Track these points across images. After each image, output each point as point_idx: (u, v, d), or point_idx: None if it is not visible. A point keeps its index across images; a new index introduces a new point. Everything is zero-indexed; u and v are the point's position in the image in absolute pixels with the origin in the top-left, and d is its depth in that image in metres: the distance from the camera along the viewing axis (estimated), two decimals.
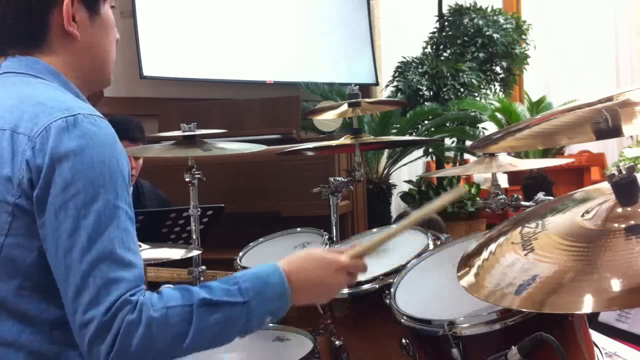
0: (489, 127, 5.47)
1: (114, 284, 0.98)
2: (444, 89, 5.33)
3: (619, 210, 0.84)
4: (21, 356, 1.03)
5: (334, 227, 2.08)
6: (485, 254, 0.95)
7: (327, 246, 1.87)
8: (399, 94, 5.46)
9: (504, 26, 5.63)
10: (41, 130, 1.02)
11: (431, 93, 5.46)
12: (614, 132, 0.92)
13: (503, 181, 5.80)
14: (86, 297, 0.97)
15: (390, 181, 5.40)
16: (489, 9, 5.81)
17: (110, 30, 1.21)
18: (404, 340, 1.28)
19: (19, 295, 1.03)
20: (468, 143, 5.36)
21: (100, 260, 0.98)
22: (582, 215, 0.89)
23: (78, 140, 1.01)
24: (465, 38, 5.65)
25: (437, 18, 5.89)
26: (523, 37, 5.86)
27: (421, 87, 5.40)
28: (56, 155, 1.00)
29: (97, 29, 1.18)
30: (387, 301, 1.36)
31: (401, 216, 3.41)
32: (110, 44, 1.22)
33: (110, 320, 0.96)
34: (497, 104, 5.49)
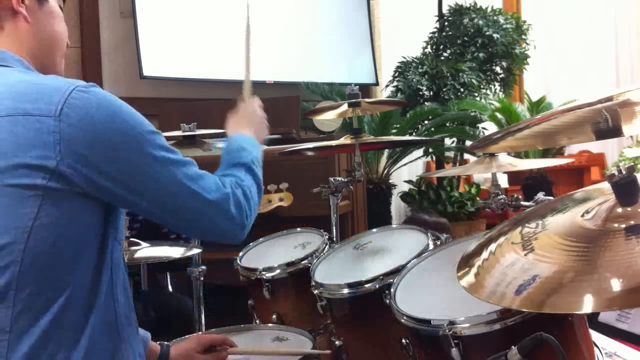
0: (489, 127, 5.47)
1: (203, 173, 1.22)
2: (444, 89, 5.33)
3: (619, 210, 0.84)
4: (34, 339, 1.03)
5: (334, 227, 2.08)
6: (485, 254, 0.94)
7: (327, 246, 1.87)
8: (399, 94, 5.46)
9: (504, 26, 5.64)
10: (61, 107, 1.05)
11: (431, 93, 5.46)
12: (614, 132, 0.92)
13: (503, 181, 5.80)
14: (207, 183, 1.19)
15: (390, 181, 5.40)
16: (489, 9, 5.81)
17: (58, 21, 1.27)
18: (404, 340, 1.28)
19: (39, 278, 1.04)
20: (468, 143, 5.36)
21: (188, 164, 1.20)
22: (582, 215, 0.89)
23: (103, 102, 1.09)
24: (465, 38, 5.65)
25: (437, 18, 5.90)
26: (523, 37, 5.86)
27: (421, 87, 5.40)
28: (96, 124, 1.06)
29: (45, 15, 1.24)
30: (387, 301, 1.36)
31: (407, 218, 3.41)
32: (59, 34, 1.27)
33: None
34: (497, 104, 5.49)
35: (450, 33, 5.78)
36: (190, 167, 1.20)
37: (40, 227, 1.03)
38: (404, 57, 5.69)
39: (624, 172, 0.83)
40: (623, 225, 0.82)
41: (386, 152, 5.30)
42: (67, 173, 1.04)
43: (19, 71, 1.15)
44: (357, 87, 2.05)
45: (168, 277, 3.02)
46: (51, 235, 1.04)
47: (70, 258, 1.07)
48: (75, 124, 1.04)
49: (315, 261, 1.73)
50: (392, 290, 1.35)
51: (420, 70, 5.43)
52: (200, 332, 1.90)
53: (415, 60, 5.62)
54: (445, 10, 5.90)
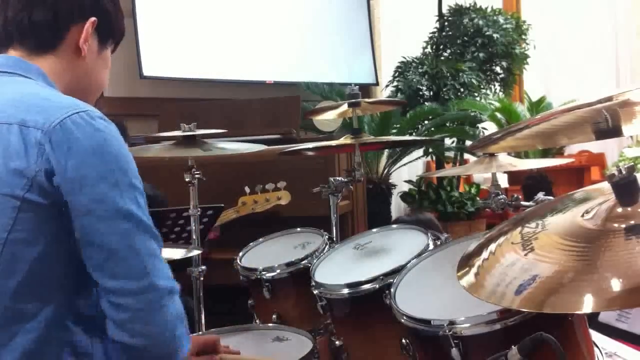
0: (489, 127, 5.47)
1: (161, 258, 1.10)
2: (444, 89, 5.33)
3: (619, 210, 0.84)
4: (16, 356, 1.02)
5: (334, 227, 2.08)
6: (485, 254, 0.94)
7: (327, 246, 1.87)
8: (399, 94, 5.46)
9: (504, 26, 5.64)
10: (55, 124, 1.04)
11: (431, 93, 5.46)
12: (614, 132, 0.92)
13: (503, 181, 5.80)
14: (162, 267, 1.08)
15: (390, 181, 5.40)
16: (489, 9, 5.81)
17: (105, 70, 1.30)
18: (404, 340, 1.28)
19: (17, 293, 1.03)
20: (468, 143, 5.36)
21: (153, 238, 1.09)
22: (582, 215, 0.89)
23: (100, 134, 1.06)
24: (465, 38, 5.65)
25: (437, 18, 5.90)
26: (523, 37, 5.86)
27: (421, 87, 5.40)
28: (82, 150, 1.04)
29: (100, 60, 1.27)
30: (387, 301, 1.36)
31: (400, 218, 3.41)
32: (102, 82, 1.30)
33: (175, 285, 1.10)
34: (497, 104, 5.50)
35: (450, 33, 5.78)
36: (152, 242, 1.08)
37: (13, 241, 1.02)
38: (404, 57, 5.69)
39: (624, 172, 0.83)
40: (623, 225, 0.82)
41: (386, 152, 5.30)
42: (45, 186, 1.03)
43: (38, 84, 1.14)
44: (357, 87, 2.05)
45: None
46: (24, 252, 1.02)
47: (50, 276, 1.04)
48: (60, 144, 1.03)
49: (315, 261, 1.73)
50: (392, 290, 1.35)
51: (420, 70, 5.43)
52: (196, 334, 1.90)
53: (415, 60, 5.62)
54: (445, 10, 5.90)
